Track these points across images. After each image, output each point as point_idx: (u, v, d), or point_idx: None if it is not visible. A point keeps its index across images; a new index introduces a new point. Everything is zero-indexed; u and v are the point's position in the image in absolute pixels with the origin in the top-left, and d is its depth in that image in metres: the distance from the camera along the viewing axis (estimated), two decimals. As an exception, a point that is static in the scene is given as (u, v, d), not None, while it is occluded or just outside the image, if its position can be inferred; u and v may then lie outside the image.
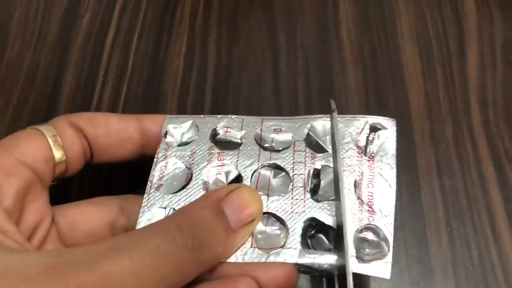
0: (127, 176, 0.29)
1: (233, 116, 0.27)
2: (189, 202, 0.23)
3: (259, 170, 0.25)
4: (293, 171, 0.24)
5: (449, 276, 0.26)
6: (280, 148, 0.25)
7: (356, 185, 0.24)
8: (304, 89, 0.33)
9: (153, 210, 0.23)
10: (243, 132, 0.26)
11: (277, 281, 0.21)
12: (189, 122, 0.26)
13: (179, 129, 0.26)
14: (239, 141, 0.26)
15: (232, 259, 0.21)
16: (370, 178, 0.24)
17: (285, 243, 0.22)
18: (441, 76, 0.33)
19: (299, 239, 0.22)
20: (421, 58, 0.34)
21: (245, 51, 0.35)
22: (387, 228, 0.23)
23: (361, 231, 0.23)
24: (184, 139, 0.26)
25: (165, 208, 0.23)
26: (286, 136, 0.26)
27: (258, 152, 0.25)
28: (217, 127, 0.26)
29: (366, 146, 0.25)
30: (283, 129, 0.26)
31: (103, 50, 0.35)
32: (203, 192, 0.24)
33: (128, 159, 0.26)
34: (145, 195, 0.24)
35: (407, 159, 0.30)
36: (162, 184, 0.24)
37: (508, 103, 0.32)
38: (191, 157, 0.25)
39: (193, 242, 0.19)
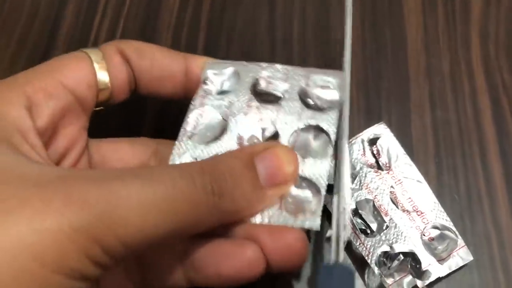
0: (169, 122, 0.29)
1: (279, 66, 0.25)
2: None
3: (298, 130, 0.23)
4: (335, 135, 0.22)
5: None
6: (325, 107, 0.23)
7: (394, 202, 0.24)
8: (300, 25, 0.33)
9: (183, 158, 0.22)
10: (287, 85, 0.24)
11: (283, 251, 0.20)
12: (231, 69, 0.25)
13: (219, 76, 0.24)
14: (281, 95, 0.24)
15: (257, 220, 0.20)
16: (400, 187, 0.25)
17: (315, 210, 0.20)
18: (442, 11, 0.32)
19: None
20: (422, -7, 0.33)
21: (242, -13, 0.34)
22: (441, 217, 0.24)
23: (423, 235, 0.24)
24: (224, 87, 0.24)
25: (196, 158, 0.22)
26: (334, 95, 0.23)
27: (300, 110, 0.23)
28: (259, 77, 0.24)
29: (377, 161, 0.26)
30: (331, 86, 0.23)
31: (102, -13, 0.35)
32: (236, 146, 0.22)
33: (169, 97, 0.25)
34: (176, 142, 0.23)
35: (399, 93, 0.29)
36: (195, 133, 0.23)
37: (511, 36, 0.31)
38: (228, 108, 0.24)
39: (213, 186, 0.18)
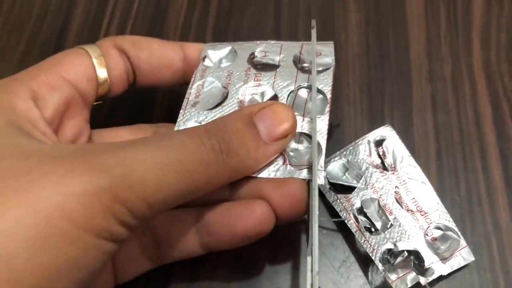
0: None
1: (272, 42, 0.27)
2: None
3: (295, 91, 0.24)
4: (331, 94, 0.24)
5: (435, 207, 0.26)
6: (320, 69, 0.25)
7: (398, 202, 0.25)
8: (304, 29, 0.33)
9: (188, 124, 0.23)
10: (282, 55, 0.26)
11: (287, 200, 0.21)
12: (228, 48, 0.26)
13: (218, 54, 0.26)
14: (277, 63, 0.25)
15: (264, 174, 0.22)
16: (404, 188, 0.26)
17: (318, 161, 0.22)
18: (444, 16, 0.33)
19: None
20: (425, -2, 0.34)
21: (249, -9, 0.35)
22: (444, 218, 0.25)
23: (426, 235, 0.24)
24: (223, 65, 0.26)
25: (200, 123, 0.23)
26: (326, 60, 0.25)
27: (295, 74, 0.25)
28: (255, 51, 0.26)
29: (383, 162, 0.26)
30: (323, 53, 0.25)
31: (111, -11, 0.36)
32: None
33: (169, 85, 0.26)
34: (181, 111, 0.24)
35: (401, 96, 0.30)
36: (198, 101, 0.24)
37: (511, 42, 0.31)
38: (227, 78, 0.25)
39: (220, 145, 0.20)
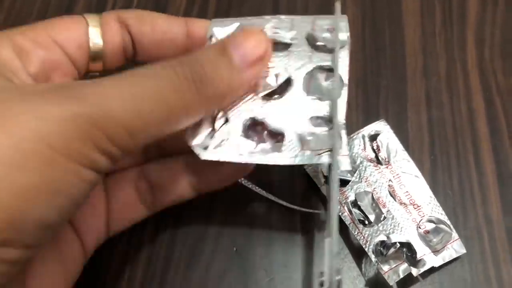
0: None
1: (282, 16, 0.24)
2: None
3: (311, 72, 0.23)
4: (348, 75, 0.22)
5: (428, 200, 0.27)
6: (335, 47, 0.23)
7: (392, 195, 0.26)
8: (302, 25, 0.34)
9: None
10: (294, 32, 0.24)
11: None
12: (235, 25, 0.24)
13: (225, 31, 0.24)
14: (289, 41, 0.24)
15: (284, 162, 0.21)
16: (398, 181, 0.26)
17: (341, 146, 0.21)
18: (439, 13, 0.33)
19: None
20: (421, -5, 0.34)
21: (247, -13, 0.35)
22: (437, 211, 0.25)
23: (419, 227, 0.25)
24: None
25: None
26: (342, 35, 0.23)
27: (310, 53, 0.23)
28: (264, 27, 0.24)
29: (377, 156, 0.27)
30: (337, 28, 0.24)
31: (111, -16, 0.36)
32: (252, 93, 0.23)
33: None
34: None
35: (396, 91, 0.30)
36: None
37: (506, 39, 0.32)
38: None
39: (192, 74, 0.20)
